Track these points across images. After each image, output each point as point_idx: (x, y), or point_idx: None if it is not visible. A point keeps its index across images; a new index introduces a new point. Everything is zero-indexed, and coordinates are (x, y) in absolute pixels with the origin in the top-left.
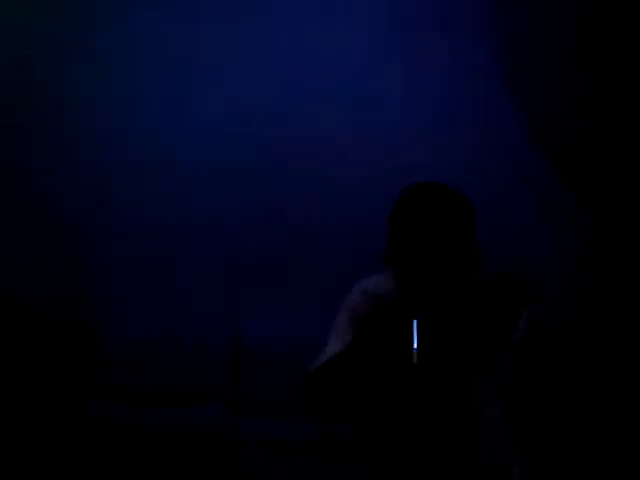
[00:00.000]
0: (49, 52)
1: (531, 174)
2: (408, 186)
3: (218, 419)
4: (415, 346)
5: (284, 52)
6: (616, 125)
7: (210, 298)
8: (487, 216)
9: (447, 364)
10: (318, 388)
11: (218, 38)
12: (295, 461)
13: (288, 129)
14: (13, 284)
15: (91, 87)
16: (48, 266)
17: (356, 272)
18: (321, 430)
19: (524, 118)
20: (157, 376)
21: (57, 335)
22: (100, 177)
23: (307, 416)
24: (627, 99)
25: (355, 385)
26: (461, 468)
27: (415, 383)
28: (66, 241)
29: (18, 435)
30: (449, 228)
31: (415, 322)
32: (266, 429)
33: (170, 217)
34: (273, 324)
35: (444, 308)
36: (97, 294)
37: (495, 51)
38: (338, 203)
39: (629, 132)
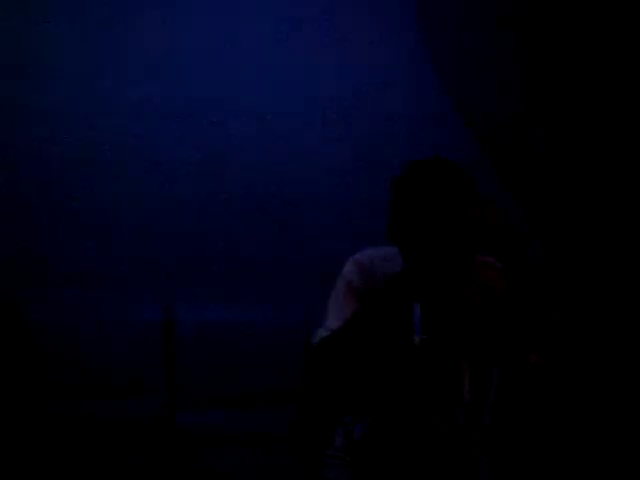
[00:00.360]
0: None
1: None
2: (410, 161)
3: (154, 410)
4: (418, 331)
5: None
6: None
7: (144, 286)
8: None
9: (450, 349)
10: (323, 361)
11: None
12: (232, 451)
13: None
14: None
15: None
16: None
17: (283, 260)
18: (256, 419)
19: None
20: (91, 367)
21: None
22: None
23: (313, 389)
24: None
25: (358, 359)
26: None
27: (417, 368)
28: None
29: None
30: (453, 201)
31: (417, 306)
32: (203, 420)
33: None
34: (208, 311)
35: (449, 290)
36: (32, 287)
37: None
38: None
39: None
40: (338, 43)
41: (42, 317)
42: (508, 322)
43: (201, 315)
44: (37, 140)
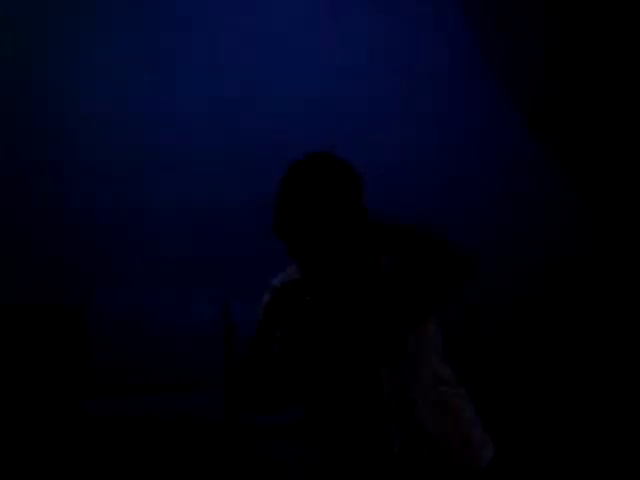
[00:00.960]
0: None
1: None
2: (291, 163)
3: (215, 406)
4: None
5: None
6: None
7: (200, 283)
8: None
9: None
10: (242, 378)
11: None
12: (294, 443)
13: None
14: None
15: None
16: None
17: None
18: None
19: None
20: (151, 364)
21: (49, 326)
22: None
23: (243, 408)
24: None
25: (275, 367)
26: (401, 423)
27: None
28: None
29: (16, 436)
30: (331, 194)
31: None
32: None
33: (153, 202)
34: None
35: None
36: (88, 281)
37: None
38: None
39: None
40: None
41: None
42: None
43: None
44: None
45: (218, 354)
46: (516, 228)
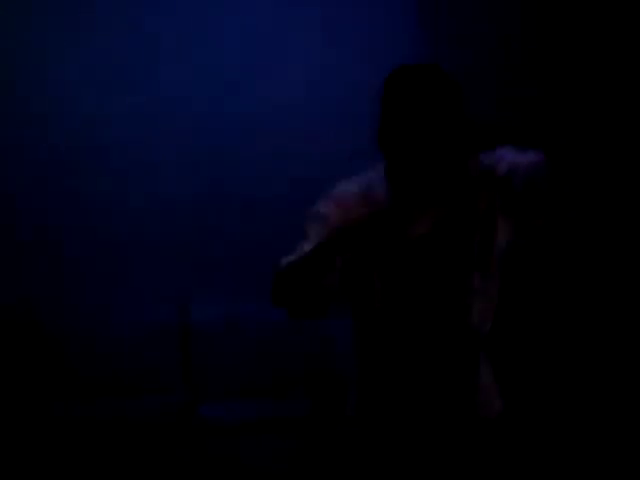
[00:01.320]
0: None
1: None
2: (399, 66)
3: (174, 405)
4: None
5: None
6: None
7: (160, 284)
8: None
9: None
10: (288, 282)
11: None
12: (254, 441)
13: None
14: None
15: None
16: None
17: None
18: (279, 408)
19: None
20: (111, 366)
21: (8, 335)
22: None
23: (278, 308)
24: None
25: (327, 278)
26: (460, 389)
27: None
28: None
29: None
30: (442, 107)
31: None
32: (224, 412)
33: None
34: (224, 306)
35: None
36: (43, 288)
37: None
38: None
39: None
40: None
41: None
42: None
43: (215, 311)
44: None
45: (175, 355)
46: None
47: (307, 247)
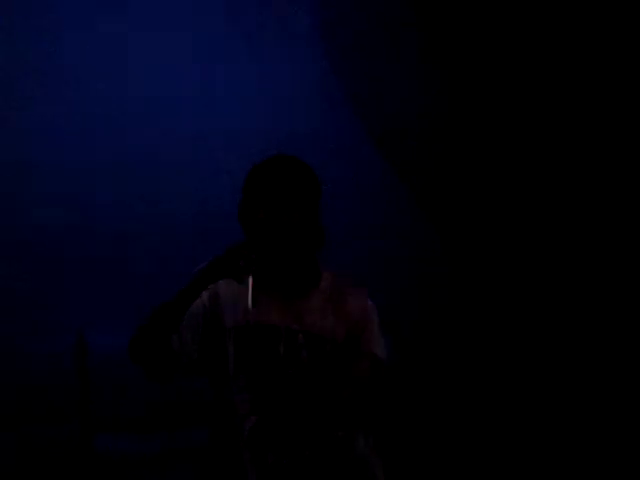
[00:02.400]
0: None
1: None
2: (265, 159)
3: (70, 437)
4: (249, 301)
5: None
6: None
7: (54, 311)
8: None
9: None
10: (149, 327)
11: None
12: (153, 475)
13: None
14: None
15: None
16: None
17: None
18: (179, 441)
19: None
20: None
21: None
22: None
23: (136, 364)
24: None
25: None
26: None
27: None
28: None
29: None
30: (302, 198)
31: (250, 278)
32: (121, 444)
33: None
34: (120, 335)
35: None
36: None
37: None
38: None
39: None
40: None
41: None
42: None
43: (112, 340)
44: None
45: (73, 384)
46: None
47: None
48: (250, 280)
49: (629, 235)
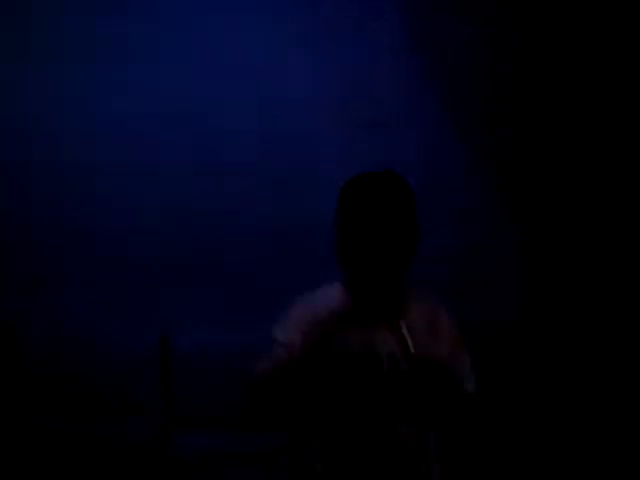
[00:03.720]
0: None
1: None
2: (352, 178)
3: (151, 432)
4: (410, 346)
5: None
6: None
7: (140, 308)
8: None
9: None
10: (262, 397)
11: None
12: (233, 474)
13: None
14: None
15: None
16: None
17: (285, 281)
18: (258, 442)
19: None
20: (89, 387)
21: None
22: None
23: (250, 424)
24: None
25: (303, 394)
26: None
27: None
28: None
29: None
30: (398, 217)
31: (403, 323)
32: (201, 442)
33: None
34: (206, 335)
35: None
36: (22, 300)
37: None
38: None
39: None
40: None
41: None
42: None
43: (198, 338)
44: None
45: (155, 381)
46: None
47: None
48: (404, 324)
49: None
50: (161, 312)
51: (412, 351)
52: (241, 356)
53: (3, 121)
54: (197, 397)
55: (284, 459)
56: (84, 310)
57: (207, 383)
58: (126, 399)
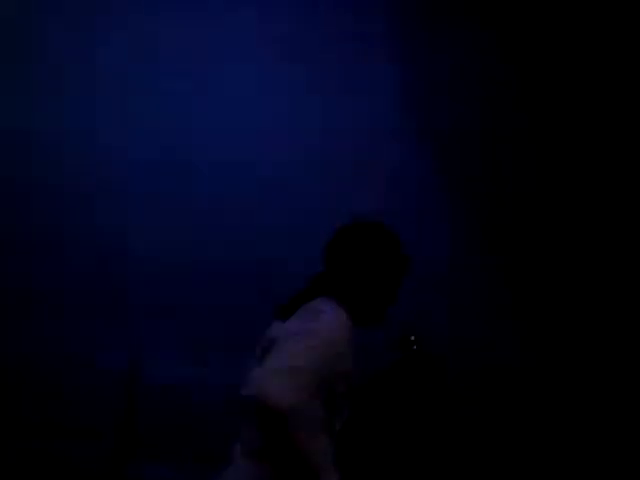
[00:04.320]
0: None
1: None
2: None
3: (106, 457)
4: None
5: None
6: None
7: (110, 332)
8: None
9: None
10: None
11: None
12: None
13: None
14: None
15: None
16: None
17: (258, 314)
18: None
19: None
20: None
21: None
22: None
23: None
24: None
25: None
26: None
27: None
28: None
29: None
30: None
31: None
32: (156, 473)
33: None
34: (175, 365)
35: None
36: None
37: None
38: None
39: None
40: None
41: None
42: None
43: (168, 368)
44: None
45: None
46: None
47: (308, 377)
48: None
49: None
50: (131, 338)
51: None
52: (205, 392)
53: None
54: (158, 428)
55: None
56: (55, 327)
57: (170, 415)
58: (84, 422)
